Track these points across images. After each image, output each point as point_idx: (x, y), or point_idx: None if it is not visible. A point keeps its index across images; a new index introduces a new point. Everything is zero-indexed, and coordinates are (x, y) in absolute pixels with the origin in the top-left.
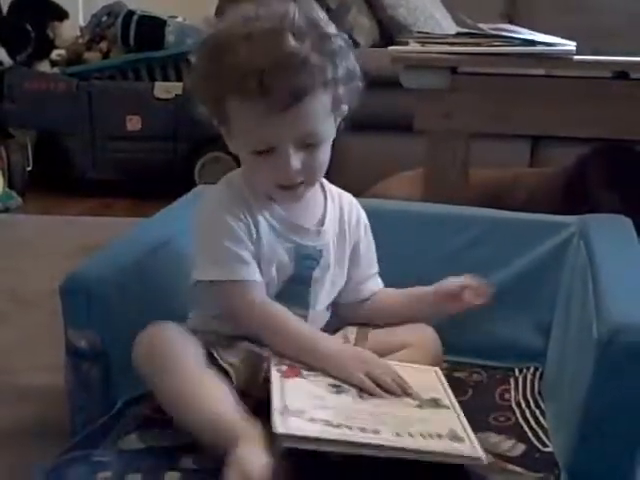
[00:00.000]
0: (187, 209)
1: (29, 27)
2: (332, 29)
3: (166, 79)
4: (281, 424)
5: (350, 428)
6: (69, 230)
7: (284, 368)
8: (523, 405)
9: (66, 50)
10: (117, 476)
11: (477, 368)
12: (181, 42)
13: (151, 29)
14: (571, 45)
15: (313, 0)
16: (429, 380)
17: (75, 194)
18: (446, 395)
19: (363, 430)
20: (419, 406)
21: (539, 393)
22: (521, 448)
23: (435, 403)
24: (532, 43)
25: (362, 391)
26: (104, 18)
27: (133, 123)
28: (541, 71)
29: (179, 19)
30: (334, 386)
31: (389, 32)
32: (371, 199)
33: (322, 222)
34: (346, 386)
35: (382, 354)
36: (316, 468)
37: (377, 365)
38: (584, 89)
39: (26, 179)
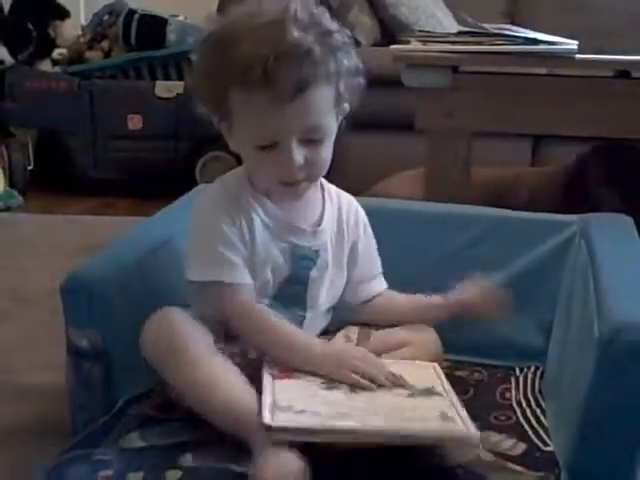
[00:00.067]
0: (188, 208)
1: (30, 26)
2: (334, 25)
3: (167, 78)
4: (269, 417)
5: (340, 418)
6: (70, 229)
7: (276, 371)
8: (524, 404)
9: (67, 49)
10: (118, 475)
11: (478, 367)
12: (182, 41)
13: (152, 28)
14: (573, 44)
15: None
16: (426, 374)
17: (76, 193)
18: (441, 385)
19: (352, 419)
20: (411, 395)
21: (540, 392)
22: (522, 447)
23: (428, 392)
24: (534, 42)
25: (353, 387)
26: (105, 17)
27: (134, 122)
28: (543, 70)
29: (180, 18)
30: (326, 384)
31: (391, 31)
32: (372, 198)
33: (319, 222)
34: (338, 384)
35: (382, 353)
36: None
37: (364, 360)
38: (586, 88)
39: (27, 178)
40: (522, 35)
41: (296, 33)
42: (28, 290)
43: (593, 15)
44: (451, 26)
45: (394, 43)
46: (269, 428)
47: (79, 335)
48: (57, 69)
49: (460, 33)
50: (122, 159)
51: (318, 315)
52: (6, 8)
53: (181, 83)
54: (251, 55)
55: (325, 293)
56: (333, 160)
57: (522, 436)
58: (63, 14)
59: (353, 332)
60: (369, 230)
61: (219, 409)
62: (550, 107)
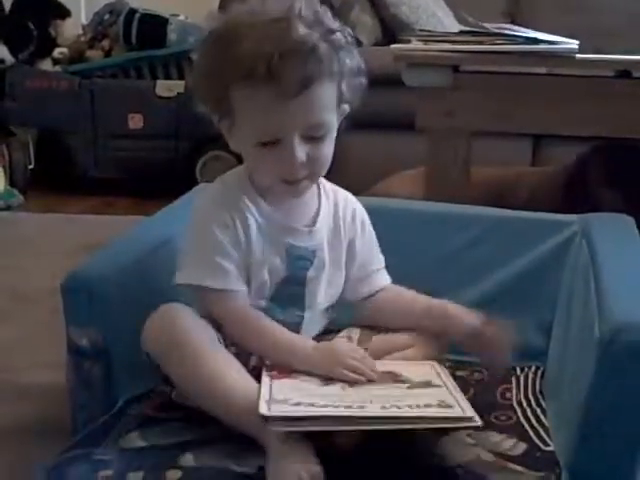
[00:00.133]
0: (188, 208)
1: (31, 25)
2: (336, 25)
3: (168, 77)
4: (265, 407)
5: (335, 407)
6: (70, 228)
7: (274, 372)
8: (524, 404)
9: (68, 48)
10: (118, 474)
11: (478, 367)
12: (183, 40)
13: (153, 27)
14: (574, 44)
15: None
16: (424, 370)
17: (77, 192)
18: (439, 379)
19: (349, 407)
20: (409, 388)
21: (540, 392)
22: (522, 447)
23: (426, 384)
24: (535, 41)
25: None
26: (106, 16)
27: (135, 121)
28: (543, 70)
29: (181, 17)
30: (323, 381)
31: (391, 30)
32: (372, 197)
33: (314, 222)
34: (335, 382)
35: (384, 354)
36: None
37: (354, 357)
38: (586, 88)
39: (28, 177)
40: (522, 35)
41: (301, 30)
42: (28, 289)
43: (593, 15)
44: (452, 25)
45: (395, 42)
46: (265, 418)
47: (79, 334)
48: (58, 68)
49: (461, 33)
50: (123, 158)
51: (317, 315)
52: (7, 7)
53: (182, 82)
54: (255, 51)
55: (323, 292)
56: (333, 160)
57: (523, 436)
58: (64, 13)
59: (355, 333)
60: (368, 225)
61: (222, 403)
62: (550, 107)
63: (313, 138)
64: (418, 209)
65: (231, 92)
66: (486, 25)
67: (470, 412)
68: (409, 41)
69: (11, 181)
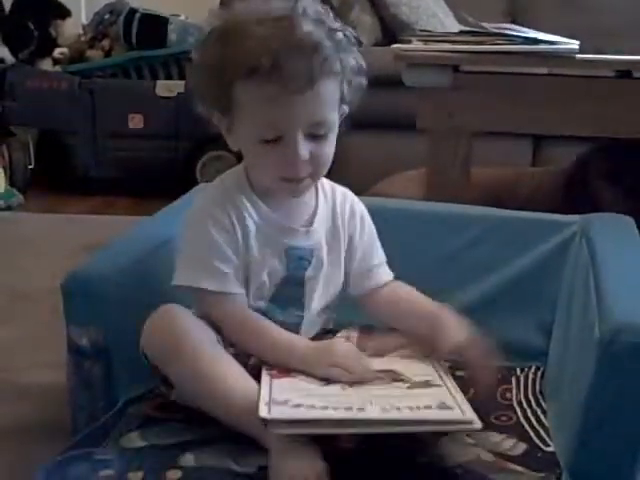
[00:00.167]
0: (188, 208)
1: (31, 25)
2: (338, 24)
3: (168, 77)
4: (265, 410)
5: (335, 409)
6: (71, 228)
7: (274, 371)
8: (524, 404)
9: (68, 48)
10: (119, 474)
11: None
12: (183, 40)
13: (153, 27)
14: (574, 44)
15: None
16: (424, 368)
17: (77, 192)
18: (439, 377)
19: (349, 409)
20: (409, 387)
21: (540, 392)
22: (522, 447)
23: (426, 384)
24: (535, 42)
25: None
26: (106, 16)
27: (135, 121)
28: (544, 70)
29: (181, 17)
30: (323, 380)
31: (392, 30)
32: (372, 197)
33: (311, 222)
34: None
35: (383, 354)
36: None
37: (346, 355)
38: (586, 88)
39: (28, 177)
40: (523, 35)
41: (306, 27)
42: (28, 289)
43: (593, 15)
44: (452, 25)
45: (395, 42)
46: (265, 421)
47: (79, 334)
48: (58, 68)
49: (461, 33)
50: (123, 158)
51: (316, 314)
52: (7, 7)
53: (182, 82)
54: (261, 48)
55: (322, 292)
56: (333, 160)
57: (523, 436)
58: (64, 13)
59: (354, 333)
60: (367, 221)
61: (222, 404)
62: (551, 107)
63: (316, 136)
64: (418, 209)
65: (234, 88)
66: (486, 25)
67: (470, 414)
68: (409, 41)
69: (11, 181)
